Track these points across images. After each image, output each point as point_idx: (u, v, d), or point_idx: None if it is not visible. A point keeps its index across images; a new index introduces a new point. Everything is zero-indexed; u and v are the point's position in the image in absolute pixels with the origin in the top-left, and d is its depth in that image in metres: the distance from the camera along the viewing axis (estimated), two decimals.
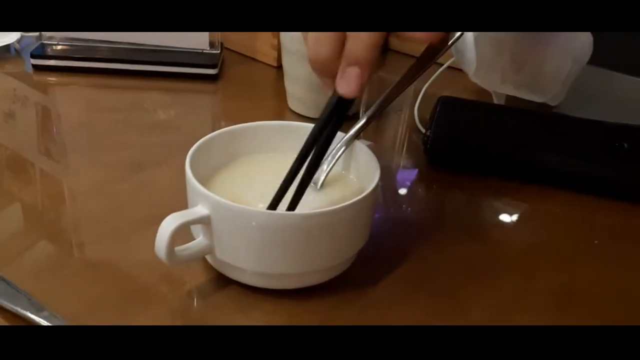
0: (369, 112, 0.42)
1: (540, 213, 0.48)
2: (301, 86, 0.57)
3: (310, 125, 0.37)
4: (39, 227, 0.42)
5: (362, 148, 0.40)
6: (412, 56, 0.42)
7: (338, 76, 0.33)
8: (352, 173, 0.41)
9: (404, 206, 0.48)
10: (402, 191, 0.49)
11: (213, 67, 0.64)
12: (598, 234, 0.45)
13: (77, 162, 0.51)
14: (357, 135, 0.40)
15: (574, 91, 0.62)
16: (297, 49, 0.55)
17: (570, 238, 0.45)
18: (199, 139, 0.39)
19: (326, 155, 0.40)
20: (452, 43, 0.43)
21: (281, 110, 0.59)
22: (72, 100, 0.61)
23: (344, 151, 0.40)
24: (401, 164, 0.54)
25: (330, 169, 0.39)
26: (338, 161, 0.40)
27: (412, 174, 0.52)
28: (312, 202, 0.38)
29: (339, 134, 0.40)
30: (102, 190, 0.46)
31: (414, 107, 0.58)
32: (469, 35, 0.58)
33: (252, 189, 0.39)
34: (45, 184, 0.47)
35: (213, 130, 0.40)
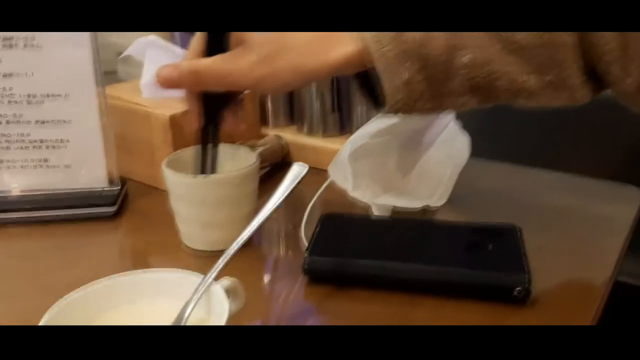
0: (229, 251, 0.45)
1: (411, 321, 0.50)
2: (192, 225, 0.59)
3: (181, 273, 0.42)
4: None
5: (216, 290, 0.42)
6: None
7: None
8: (212, 316, 0.43)
9: None
10: (280, 318, 0.51)
11: (111, 205, 0.67)
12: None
13: None
14: (217, 276, 0.43)
15: (459, 189, 0.67)
16: (183, 192, 0.58)
17: None
18: (96, 281, 0.43)
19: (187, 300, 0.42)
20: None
21: (176, 245, 0.61)
22: None
23: (202, 294, 0.42)
24: (281, 289, 0.56)
25: (189, 314, 0.42)
26: (201, 304, 0.42)
27: (292, 297, 0.54)
28: None
29: (198, 277, 0.43)
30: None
31: (300, 226, 0.61)
32: (343, 154, 0.63)
33: None
34: None
35: (114, 272, 0.44)
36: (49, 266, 0.59)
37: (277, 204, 0.45)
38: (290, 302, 0.54)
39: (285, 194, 0.45)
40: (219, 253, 0.53)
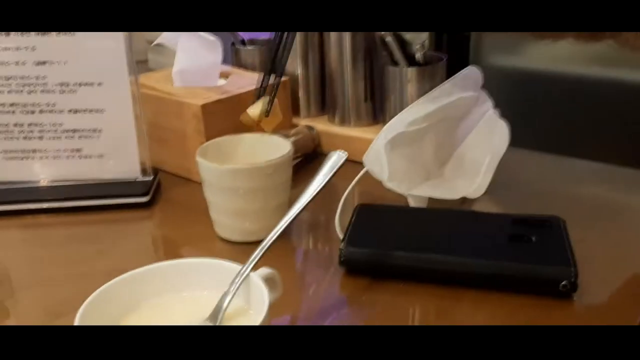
0: (267, 240, 0.44)
1: (451, 315, 0.48)
2: (225, 215, 0.59)
3: (220, 262, 0.42)
4: None
5: (255, 280, 0.41)
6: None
7: None
8: (251, 306, 0.42)
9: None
10: (316, 310, 0.50)
11: (145, 194, 0.66)
12: None
13: (15, 302, 0.52)
14: (255, 266, 0.42)
15: (498, 179, 0.64)
16: (216, 181, 0.57)
17: None
18: (134, 269, 0.42)
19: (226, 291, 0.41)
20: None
21: (209, 235, 0.60)
22: (6, 242, 0.63)
23: (240, 285, 0.41)
24: (316, 280, 0.55)
25: (228, 303, 0.41)
26: (239, 294, 0.41)
27: (327, 289, 0.53)
28: None
29: (236, 267, 0.42)
30: None
31: (334, 217, 0.60)
32: (379, 144, 0.61)
33: None
34: None
35: (147, 261, 0.43)
36: (82, 255, 0.59)
37: (317, 190, 0.44)
38: (326, 294, 0.53)
39: (325, 180, 0.44)
40: (252, 244, 0.53)
